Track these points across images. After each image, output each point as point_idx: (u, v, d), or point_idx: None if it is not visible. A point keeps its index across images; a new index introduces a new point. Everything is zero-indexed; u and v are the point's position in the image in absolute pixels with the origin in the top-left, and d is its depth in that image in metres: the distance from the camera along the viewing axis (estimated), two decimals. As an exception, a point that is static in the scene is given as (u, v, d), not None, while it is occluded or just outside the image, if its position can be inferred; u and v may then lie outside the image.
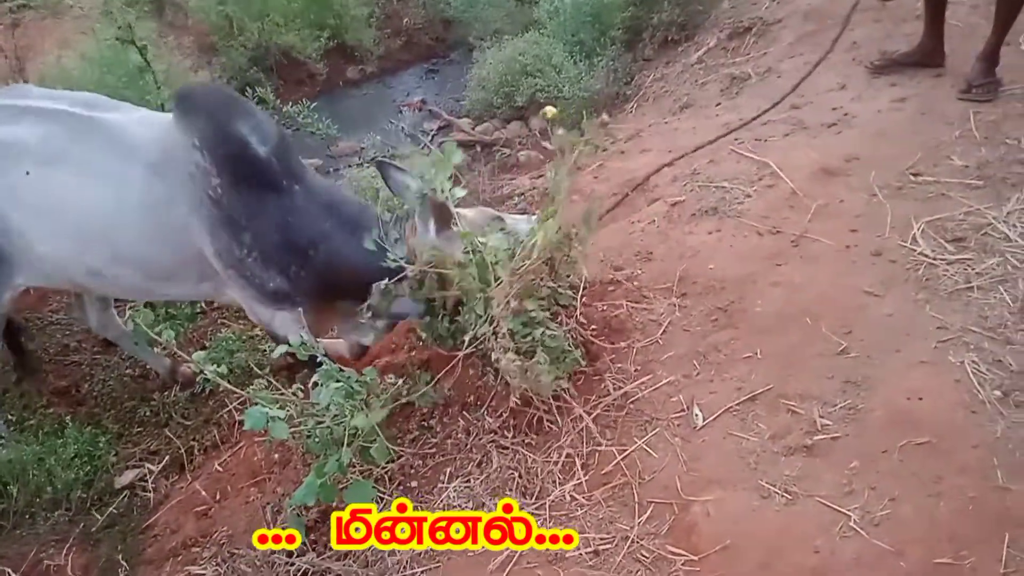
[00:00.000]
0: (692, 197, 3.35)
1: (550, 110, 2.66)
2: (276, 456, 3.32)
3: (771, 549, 2.03)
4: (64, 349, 4.52)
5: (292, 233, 2.87)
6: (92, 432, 3.67)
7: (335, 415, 2.47)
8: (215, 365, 2.53)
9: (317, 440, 2.55)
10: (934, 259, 2.74)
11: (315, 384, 2.62)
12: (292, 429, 2.50)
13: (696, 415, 2.43)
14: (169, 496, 3.44)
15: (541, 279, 2.58)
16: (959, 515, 1.98)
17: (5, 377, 4.33)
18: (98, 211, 2.98)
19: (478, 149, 5.94)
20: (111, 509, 3.41)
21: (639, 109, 5.52)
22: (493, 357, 2.47)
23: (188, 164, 2.85)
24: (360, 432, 2.52)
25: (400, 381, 2.62)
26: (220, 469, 3.44)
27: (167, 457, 3.62)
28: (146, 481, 3.53)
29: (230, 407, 3.82)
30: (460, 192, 2.58)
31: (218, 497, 3.28)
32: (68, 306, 4.82)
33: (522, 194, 4.48)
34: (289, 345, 2.62)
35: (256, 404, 2.49)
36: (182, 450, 3.61)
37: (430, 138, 6.33)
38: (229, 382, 2.58)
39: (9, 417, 4.02)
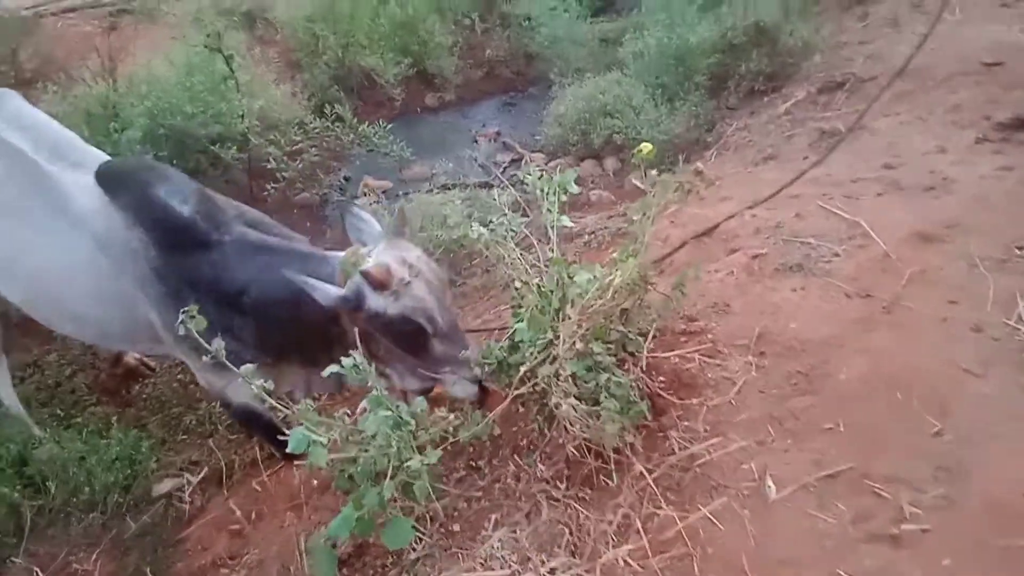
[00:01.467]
0: (775, 251, 3.16)
1: (646, 147, 2.51)
2: (315, 481, 3.21)
3: (847, 649, 1.81)
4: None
5: (224, 286, 2.79)
6: (136, 436, 3.62)
7: (380, 445, 2.33)
8: (264, 380, 2.42)
9: (358, 469, 2.41)
10: (1042, 340, 2.50)
11: (363, 410, 2.51)
12: (334, 455, 2.37)
13: (769, 487, 2.23)
14: (204, 510, 3.36)
15: (611, 322, 2.42)
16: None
17: (60, 371, 4.35)
18: (49, 271, 3.02)
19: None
20: (145, 518, 3.35)
21: (719, 157, 5.36)
22: (553, 401, 2.31)
23: (130, 240, 2.88)
24: (405, 466, 2.38)
25: (451, 415, 2.47)
26: (258, 488, 3.35)
27: (206, 469, 3.55)
28: (183, 492, 3.46)
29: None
30: (567, 221, 2.46)
31: (253, 518, 3.18)
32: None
33: (592, 233, 4.34)
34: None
35: (300, 425, 2.38)
36: (222, 463, 3.53)
37: (502, 170, 6.26)
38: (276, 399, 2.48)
39: (58, 412, 4.02)
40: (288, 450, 2.35)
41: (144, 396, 4.12)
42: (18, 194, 3.05)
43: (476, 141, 6.93)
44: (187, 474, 3.53)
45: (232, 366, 2.31)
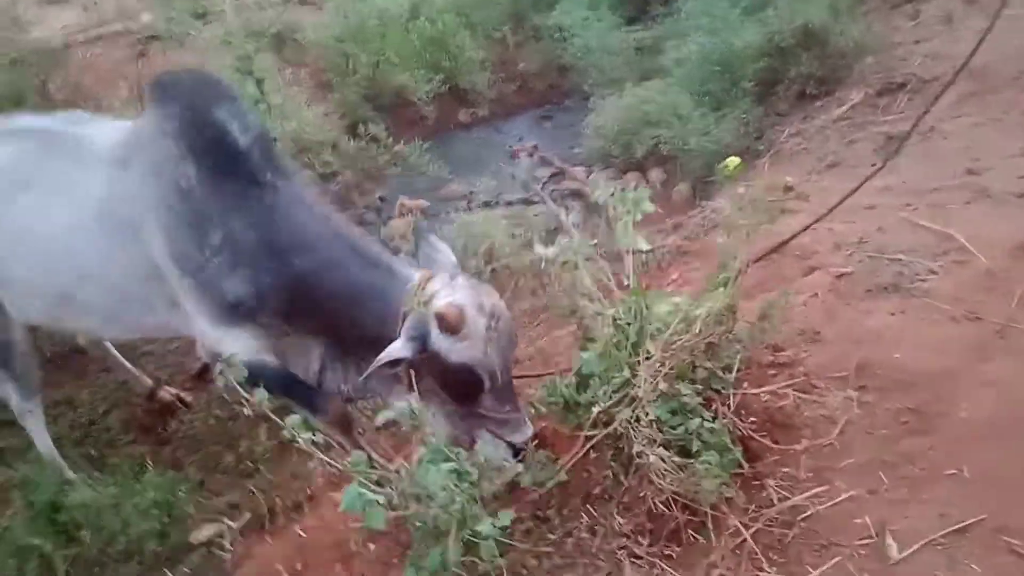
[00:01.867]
0: (861, 269, 2.88)
1: (733, 161, 2.27)
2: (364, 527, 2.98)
3: None
4: (156, 382, 4.33)
5: (273, 233, 2.52)
6: (172, 478, 3.42)
7: (443, 503, 2.09)
8: (310, 432, 2.20)
9: (418, 528, 2.18)
10: None
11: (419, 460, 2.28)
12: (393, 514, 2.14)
13: (889, 544, 1.95)
14: (246, 559, 3.13)
15: (695, 358, 2.17)
16: None
17: (93, 408, 4.18)
18: (60, 226, 2.81)
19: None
20: (184, 568, 3.13)
21: (773, 166, 5.08)
22: (635, 449, 2.05)
23: (156, 155, 2.60)
24: (467, 523, 2.14)
25: (519, 467, 2.23)
26: (302, 534, 3.11)
27: (248, 514, 3.33)
28: (223, 538, 3.24)
29: (317, 458, 3.52)
30: (644, 244, 2.22)
31: (298, 568, 2.94)
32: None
33: (648, 251, 4.08)
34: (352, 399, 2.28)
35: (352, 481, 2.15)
36: (264, 507, 3.31)
37: (541, 185, 6.05)
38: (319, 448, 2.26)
39: (91, 452, 3.84)
40: (341, 509, 2.13)
41: (180, 434, 3.93)
42: (34, 161, 2.91)
43: (513, 157, 6.71)
44: (226, 519, 3.31)
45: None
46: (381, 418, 2.35)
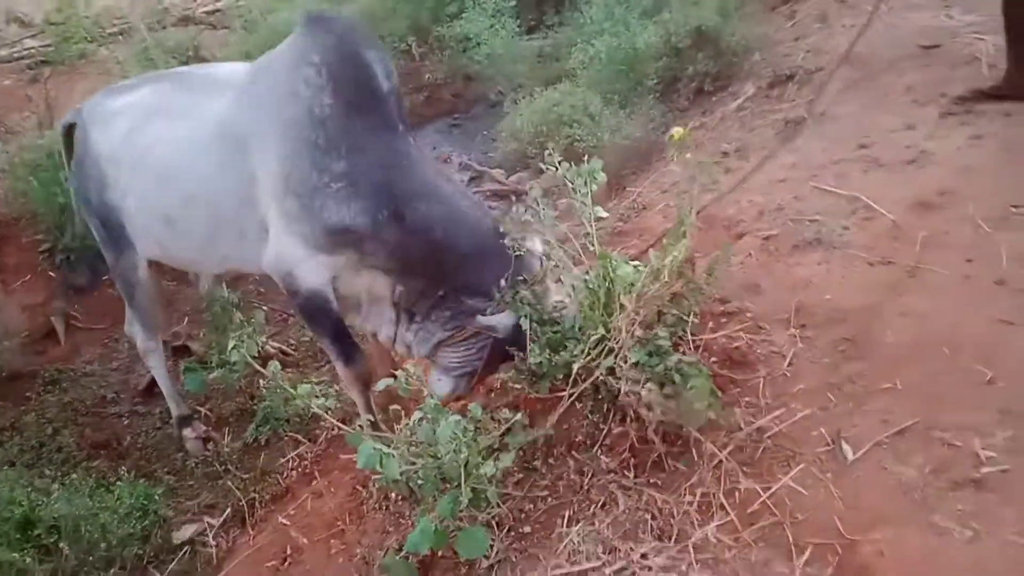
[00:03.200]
0: (785, 231, 3.24)
1: (679, 131, 2.55)
2: (349, 506, 3.11)
3: (967, 590, 1.85)
4: (101, 401, 4.33)
5: (401, 177, 2.65)
6: (145, 485, 3.45)
7: (452, 453, 2.28)
8: (322, 399, 2.35)
9: (423, 481, 2.35)
10: (1062, 287, 2.63)
11: (420, 419, 2.46)
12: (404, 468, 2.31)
13: (844, 449, 2.27)
14: (234, 551, 3.21)
15: (664, 306, 2.44)
16: None
17: (40, 430, 4.12)
18: (177, 145, 2.96)
19: (512, 199, 5.87)
20: (172, 566, 3.18)
21: (681, 156, 5.47)
22: (624, 389, 2.30)
23: (293, 79, 2.69)
24: (472, 472, 2.34)
25: (517, 416, 2.44)
26: (286, 522, 3.22)
27: (228, 510, 3.40)
28: (206, 536, 3.31)
29: (289, 456, 3.63)
30: (602, 212, 2.47)
31: (289, 551, 3.05)
32: (102, 357, 4.66)
33: (585, 236, 4.36)
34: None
35: (365, 441, 2.31)
36: (243, 502, 3.39)
37: (464, 189, 6.24)
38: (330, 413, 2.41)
39: (47, 472, 3.79)
40: (359, 466, 2.28)
41: (140, 446, 3.94)
42: (165, 95, 3.12)
43: (432, 164, 6.87)
44: (207, 518, 3.37)
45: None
46: (381, 385, 2.51)
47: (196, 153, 2.94)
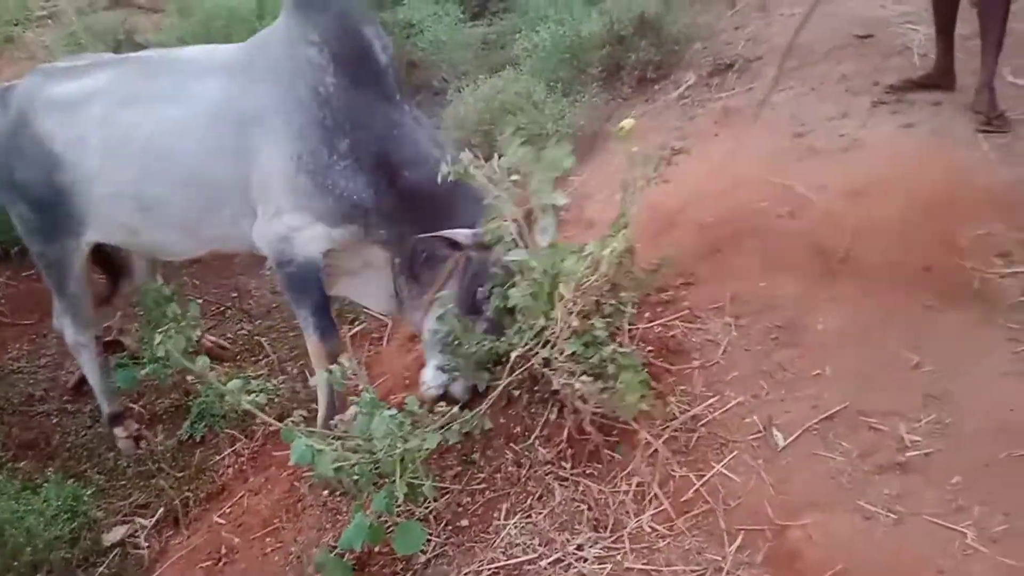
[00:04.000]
0: (723, 220, 3.26)
1: (628, 123, 2.53)
2: (284, 503, 3.06)
3: (891, 572, 1.89)
4: (29, 399, 4.19)
5: (395, 148, 2.73)
6: (73, 486, 3.34)
7: (388, 447, 2.25)
8: (253, 395, 2.29)
9: (357, 477, 2.31)
10: (986, 273, 2.71)
11: (355, 415, 2.42)
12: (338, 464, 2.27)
13: (775, 435, 2.30)
14: (166, 552, 3.14)
15: (602, 296, 2.44)
16: (1084, 527, 1.88)
17: (-38, 431, 3.96)
18: (167, 129, 2.93)
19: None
20: (101, 569, 3.09)
21: (624, 144, 5.49)
22: (560, 381, 2.29)
23: (294, 60, 2.73)
24: (408, 467, 2.31)
25: (455, 408, 2.42)
26: (221, 521, 3.16)
27: (160, 510, 3.32)
28: (137, 537, 3.22)
29: (225, 453, 3.55)
30: (562, 200, 2.44)
31: (223, 551, 2.99)
32: (30, 353, 4.51)
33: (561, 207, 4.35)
34: (329, 372, 2.40)
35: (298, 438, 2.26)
36: (176, 502, 3.31)
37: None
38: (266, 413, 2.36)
39: (-30, 474, 3.65)
40: (292, 462, 2.24)
41: (70, 445, 3.81)
42: (136, 79, 3.07)
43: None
44: (138, 518, 3.29)
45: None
46: (312, 381, 2.46)
47: (188, 136, 2.93)
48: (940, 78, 4.03)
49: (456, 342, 2.66)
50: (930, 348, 2.45)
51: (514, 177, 2.41)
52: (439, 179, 2.45)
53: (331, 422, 2.61)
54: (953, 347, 2.44)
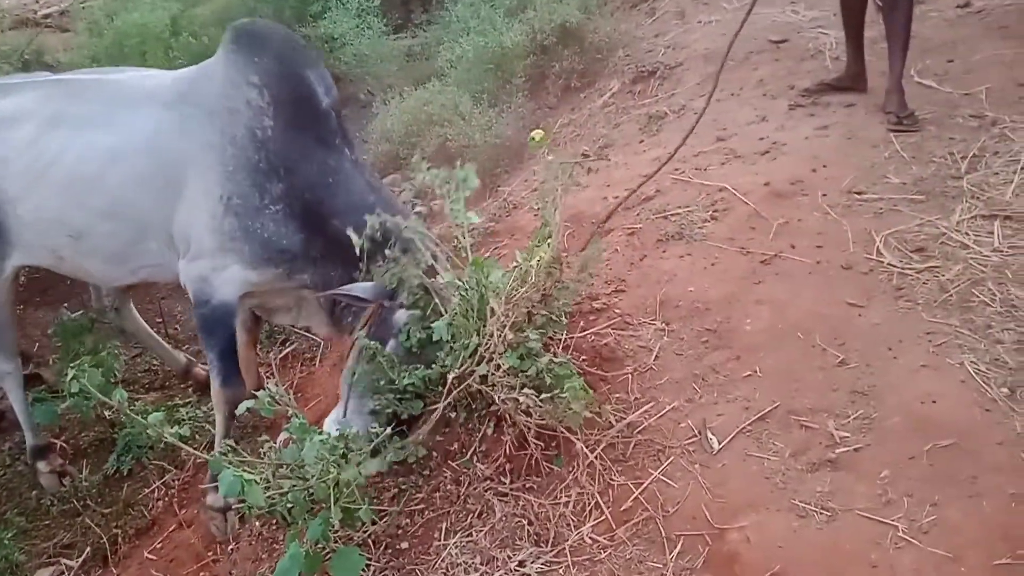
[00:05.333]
0: (649, 226, 3.30)
1: (539, 133, 2.55)
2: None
3: (827, 569, 1.93)
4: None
5: (329, 195, 2.70)
6: (-8, 529, 3.18)
7: (320, 474, 2.19)
8: (176, 427, 2.21)
9: (298, 502, 2.25)
10: (903, 269, 2.79)
11: (287, 441, 2.36)
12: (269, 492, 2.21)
13: (710, 439, 2.33)
14: (95, 594, 3.00)
15: (534, 307, 2.43)
16: (1006, 513, 1.95)
17: None
18: (95, 157, 2.84)
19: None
20: (27, 615, 2.94)
21: (552, 152, 5.51)
22: (498, 398, 2.28)
23: (232, 100, 2.67)
24: (343, 492, 2.26)
25: (386, 430, 2.37)
26: (152, 557, 3.06)
27: (87, 550, 3.18)
28: (64, 579, 3.07)
29: (154, 486, 3.43)
30: (475, 218, 2.43)
31: (159, 588, 2.89)
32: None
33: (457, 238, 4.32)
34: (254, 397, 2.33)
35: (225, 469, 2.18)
36: (104, 540, 3.19)
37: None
38: (191, 445, 2.27)
39: None
40: (220, 494, 2.17)
41: (-14, 487, 3.63)
42: (64, 101, 2.95)
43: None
44: (64, 559, 3.14)
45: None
46: (243, 407, 2.39)
47: (116, 166, 2.84)
48: (852, 80, 4.16)
49: (384, 381, 2.59)
50: (854, 345, 2.51)
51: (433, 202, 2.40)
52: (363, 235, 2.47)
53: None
54: (875, 343, 2.50)
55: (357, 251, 2.50)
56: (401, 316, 2.61)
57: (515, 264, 2.35)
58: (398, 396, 2.54)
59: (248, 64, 2.70)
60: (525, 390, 2.20)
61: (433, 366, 2.53)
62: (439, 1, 7.78)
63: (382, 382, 2.54)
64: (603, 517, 2.22)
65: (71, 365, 2.15)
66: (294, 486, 2.24)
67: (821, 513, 2.06)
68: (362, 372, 2.57)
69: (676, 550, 2.09)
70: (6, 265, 3.15)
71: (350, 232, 2.46)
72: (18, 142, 2.94)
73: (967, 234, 2.92)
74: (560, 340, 2.60)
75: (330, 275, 2.79)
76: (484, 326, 2.36)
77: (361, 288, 2.62)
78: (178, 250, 2.86)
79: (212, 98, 2.73)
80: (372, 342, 2.49)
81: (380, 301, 2.63)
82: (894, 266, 2.81)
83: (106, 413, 3.55)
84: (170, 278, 3.09)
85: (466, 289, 2.37)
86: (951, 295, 2.62)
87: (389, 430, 2.34)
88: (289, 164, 2.69)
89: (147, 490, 3.41)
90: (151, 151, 2.79)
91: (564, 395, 2.19)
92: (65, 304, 4.22)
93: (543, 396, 2.20)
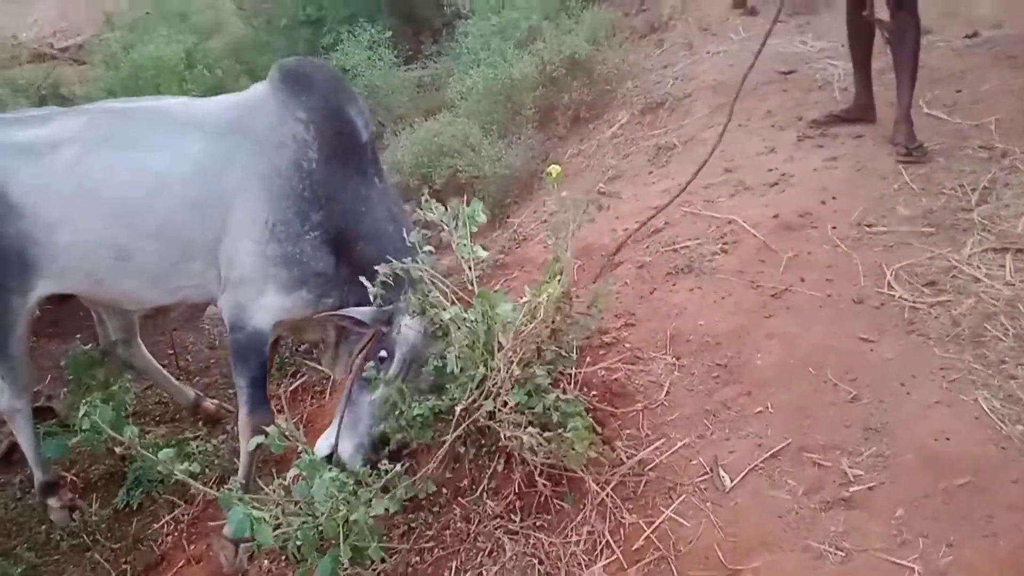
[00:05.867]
0: (659, 259, 3.30)
1: (555, 168, 2.57)
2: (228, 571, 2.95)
3: (842, 611, 1.90)
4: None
5: (356, 222, 2.88)
6: (2, 564, 3.17)
7: (330, 511, 2.19)
8: (187, 461, 2.21)
9: (307, 540, 2.24)
10: (915, 303, 2.78)
11: (296, 477, 2.36)
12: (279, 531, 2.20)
13: (722, 476, 2.31)
14: (104, 631, 2.98)
15: (543, 343, 2.43)
16: (1023, 552, 1.92)
17: None
18: (144, 180, 2.93)
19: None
20: (36, 656, 2.92)
21: (562, 184, 5.53)
22: (506, 434, 2.27)
23: (280, 134, 2.86)
24: (353, 529, 2.25)
25: (397, 466, 2.36)
26: (163, 592, 3.03)
27: (97, 585, 3.16)
28: (74, 617, 3.06)
29: (164, 521, 3.42)
30: (482, 252, 2.44)
31: (169, 624, 2.87)
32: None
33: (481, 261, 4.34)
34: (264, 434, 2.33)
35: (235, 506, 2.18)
36: (113, 575, 3.16)
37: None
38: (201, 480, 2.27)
39: None
40: (228, 534, 2.16)
41: (-6, 520, 3.62)
42: (109, 126, 3.04)
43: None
44: (72, 597, 3.13)
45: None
46: (253, 443, 2.39)
47: (166, 189, 2.94)
48: (860, 111, 4.17)
49: (394, 408, 2.60)
50: (865, 380, 2.49)
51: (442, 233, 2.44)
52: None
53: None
54: (887, 378, 2.48)
55: (375, 288, 2.57)
56: (402, 337, 2.71)
57: (524, 300, 2.35)
58: (405, 424, 2.55)
59: (294, 100, 2.88)
60: (530, 428, 2.19)
61: (436, 397, 2.54)
62: (450, 33, 7.86)
63: (386, 410, 2.55)
64: (614, 556, 2.20)
65: (83, 400, 2.15)
66: (304, 523, 2.23)
67: (835, 553, 2.03)
68: (357, 396, 2.65)
69: (689, 590, 2.07)
70: (31, 297, 3.15)
71: (364, 281, 2.59)
72: (60, 165, 2.98)
73: (978, 267, 2.91)
74: (570, 375, 2.59)
75: (350, 300, 2.91)
76: (491, 359, 2.36)
77: (360, 312, 2.74)
78: (220, 272, 2.97)
79: (261, 131, 2.88)
80: (371, 369, 2.58)
81: (378, 327, 2.75)
82: (905, 300, 2.80)
83: (116, 448, 3.54)
84: (206, 299, 3.21)
85: (472, 321, 2.37)
86: (963, 329, 2.61)
87: (399, 466, 2.34)
88: (330, 193, 2.86)
89: (156, 525, 3.40)
90: (200, 175, 2.91)
91: (568, 435, 2.17)
92: (78, 336, 4.24)
93: (548, 434, 2.19)
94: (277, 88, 2.93)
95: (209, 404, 3.92)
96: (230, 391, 4.11)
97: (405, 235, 2.82)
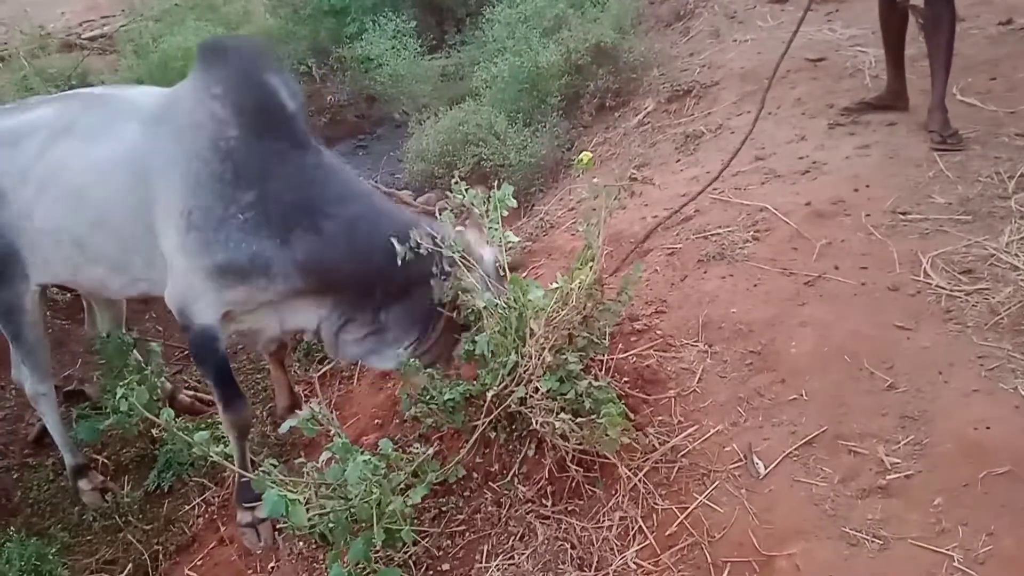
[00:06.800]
0: (690, 246, 3.28)
1: (586, 155, 2.55)
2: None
3: (880, 599, 1.88)
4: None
5: (317, 191, 2.65)
6: (37, 544, 3.21)
7: (363, 494, 2.19)
8: (221, 444, 2.23)
9: (340, 523, 2.26)
10: (952, 291, 2.74)
11: (329, 460, 2.37)
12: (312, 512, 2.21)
13: (756, 463, 2.29)
14: (136, 611, 3.02)
15: (574, 329, 2.42)
16: (1066, 543, 1.89)
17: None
18: (87, 168, 2.87)
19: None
20: (70, 632, 2.96)
21: (588, 172, 5.51)
22: (539, 420, 2.26)
23: (195, 114, 2.68)
24: (385, 513, 2.25)
25: (428, 450, 2.37)
26: (193, 574, 3.07)
27: (128, 566, 3.20)
28: (106, 596, 3.10)
29: (195, 502, 3.45)
30: (513, 237, 2.43)
31: (199, 606, 2.90)
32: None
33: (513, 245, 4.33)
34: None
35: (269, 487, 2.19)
36: (145, 556, 3.21)
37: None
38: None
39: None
40: (264, 515, 2.18)
41: (31, 501, 3.68)
42: (75, 114, 2.98)
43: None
44: (106, 575, 3.17)
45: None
46: (285, 426, 2.40)
47: (106, 175, 2.87)
48: (893, 99, 4.12)
49: (428, 394, 2.60)
50: (902, 368, 2.46)
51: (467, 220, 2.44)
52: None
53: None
54: (925, 367, 2.45)
55: (399, 261, 2.52)
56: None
57: (556, 285, 2.34)
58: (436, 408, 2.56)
59: (210, 77, 2.71)
60: (562, 415, 2.19)
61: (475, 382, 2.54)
62: (474, 22, 7.85)
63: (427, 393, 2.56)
64: (647, 542, 2.19)
65: (120, 384, 2.17)
66: (336, 506, 2.24)
67: (873, 541, 2.01)
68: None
69: (723, 577, 2.06)
70: (30, 283, 3.18)
71: (394, 242, 2.50)
72: (32, 153, 2.98)
73: (1017, 255, 2.86)
74: (602, 361, 2.58)
75: (336, 273, 2.73)
76: (523, 345, 2.35)
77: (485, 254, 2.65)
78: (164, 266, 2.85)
79: (181, 115, 2.75)
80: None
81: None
82: (942, 288, 2.76)
83: (151, 431, 3.58)
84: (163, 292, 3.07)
85: (504, 307, 2.36)
86: (1002, 318, 2.57)
87: (429, 451, 2.34)
88: (260, 170, 2.64)
89: (187, 507, 3.43)
90: (128, 164, 2.81)
91: (601, 421, 2.17)
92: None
93: (580, 420, 2.19)
94: (197, 68, 2.78)
95: (184, 397, 3.94)
96: (257, 375, 4.17)
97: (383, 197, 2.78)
